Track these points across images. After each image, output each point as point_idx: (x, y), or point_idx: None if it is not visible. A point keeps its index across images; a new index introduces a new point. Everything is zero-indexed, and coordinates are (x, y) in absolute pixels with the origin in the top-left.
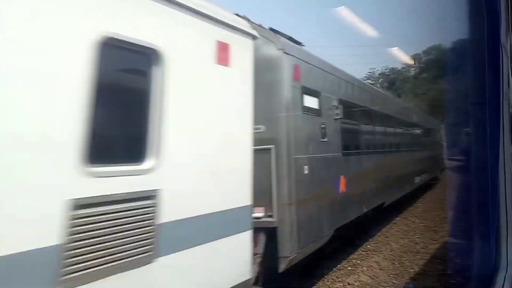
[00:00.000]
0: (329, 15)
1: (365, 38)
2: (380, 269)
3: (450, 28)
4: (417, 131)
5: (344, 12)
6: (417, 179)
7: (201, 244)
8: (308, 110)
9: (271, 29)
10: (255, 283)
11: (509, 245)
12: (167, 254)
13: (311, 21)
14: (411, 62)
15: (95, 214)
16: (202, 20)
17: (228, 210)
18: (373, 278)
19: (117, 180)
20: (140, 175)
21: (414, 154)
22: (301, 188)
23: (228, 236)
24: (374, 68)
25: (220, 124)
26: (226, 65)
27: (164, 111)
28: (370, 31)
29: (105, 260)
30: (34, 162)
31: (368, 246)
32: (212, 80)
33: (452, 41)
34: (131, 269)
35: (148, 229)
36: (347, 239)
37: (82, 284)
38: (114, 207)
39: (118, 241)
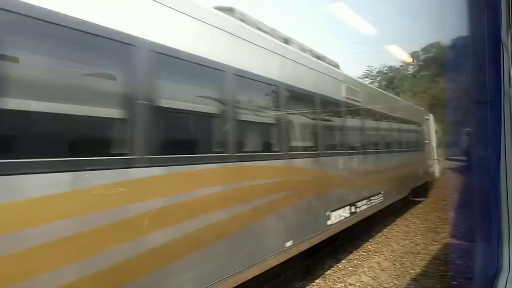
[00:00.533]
0: (324, 11)
1: (362, 35)
2: (381, 270)
3: (449, 25)
4: (369, 122)
5: (340, 8)
6: (337, 217)
7: None
8: None
9: None
10: None
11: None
12: None
13: (304, 17)
14: (409, 60)
15: None
16: None
17: None
18: (374, 279)
19: None
20: None
21: (346, 162)
22: None
23: None
24: (372, 66)
25: None
26: None
27: None
28: (367, 28)
29: None
30: None
31: (369, 246)
32: None
33: (452, 38)
34: None
35: None
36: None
37: None
38: None
39: None
